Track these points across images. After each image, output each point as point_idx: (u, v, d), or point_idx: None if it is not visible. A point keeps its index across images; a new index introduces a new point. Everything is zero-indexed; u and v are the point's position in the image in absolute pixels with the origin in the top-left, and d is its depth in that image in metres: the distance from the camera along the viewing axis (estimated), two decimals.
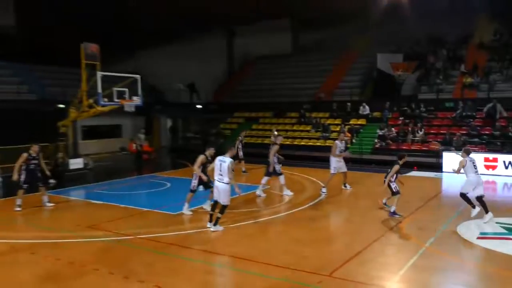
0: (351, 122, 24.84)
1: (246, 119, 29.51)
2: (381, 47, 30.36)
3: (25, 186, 12.09)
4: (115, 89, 17.68)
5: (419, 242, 9.00)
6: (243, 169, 18.56)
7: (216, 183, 9.89)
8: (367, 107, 25.36)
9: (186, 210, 11.38)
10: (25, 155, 12.09)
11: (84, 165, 19.40)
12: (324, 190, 13.93)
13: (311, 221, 10.89)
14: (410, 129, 22.46)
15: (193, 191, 11.38)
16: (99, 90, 16.95)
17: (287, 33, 35.16)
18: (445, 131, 21.44)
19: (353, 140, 23.30)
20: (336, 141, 14.33)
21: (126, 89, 17.90)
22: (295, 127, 26.75)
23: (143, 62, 33.20)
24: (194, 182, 11.26)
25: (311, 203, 12.73)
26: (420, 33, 30.56)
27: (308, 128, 26.01)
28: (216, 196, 9.97)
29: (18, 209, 12.14)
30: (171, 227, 10.25)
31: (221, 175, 9.72)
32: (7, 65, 25.68)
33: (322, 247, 8.89)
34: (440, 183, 16.72)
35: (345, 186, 14.82)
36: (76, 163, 18.94)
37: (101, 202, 13.09)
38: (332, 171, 14.18)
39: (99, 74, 17.13)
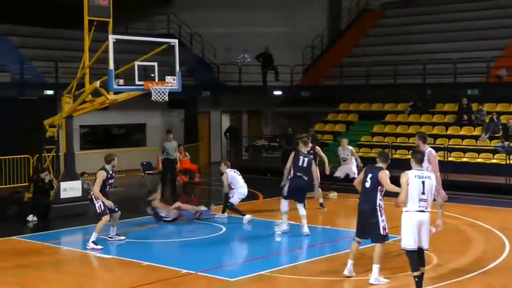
0: None
1: (360, 116, 19.62)
2: None
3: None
4: (137, 63, 12.16)
5: None
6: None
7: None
8: None
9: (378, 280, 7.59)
10: (104, 173, 10.57)
11: (83, 193, 13.40)
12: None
13: None
14: None
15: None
16: (111, 66, 11.62)
17: None
18: None
19: None
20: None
21: (155, 63, 12.32)
22: (450, 130, 17.16)
23: (183, 17, 23.06)
24: None
25: None
26: None
27: (478, 131, 16.35)
28: None
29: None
30: None
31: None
32: None
33: None
34: None
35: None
36: (69, 189, 13.08)
37: (112, 257, 9.70)
38: None
39: (112, 38, 11.89)
